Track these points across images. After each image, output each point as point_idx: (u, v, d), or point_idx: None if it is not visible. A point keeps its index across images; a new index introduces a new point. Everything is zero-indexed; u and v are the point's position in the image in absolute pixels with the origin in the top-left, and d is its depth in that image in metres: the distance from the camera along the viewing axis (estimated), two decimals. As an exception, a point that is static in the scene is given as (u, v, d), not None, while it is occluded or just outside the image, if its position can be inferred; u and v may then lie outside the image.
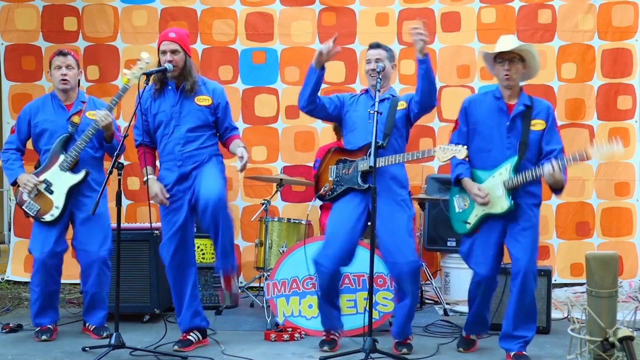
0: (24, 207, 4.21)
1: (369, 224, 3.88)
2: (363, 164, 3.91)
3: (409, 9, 6.03)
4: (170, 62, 3.86)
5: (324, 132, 5.99)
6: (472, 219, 3.82)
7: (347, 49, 6.03)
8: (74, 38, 6.02)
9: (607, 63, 5.96)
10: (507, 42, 3.76)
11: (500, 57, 3.77)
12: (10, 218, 6.14)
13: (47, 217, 4.17)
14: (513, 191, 3.71)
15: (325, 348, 3.96)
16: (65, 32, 6.02)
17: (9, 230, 6.16)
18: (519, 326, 3.77)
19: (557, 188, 3.71)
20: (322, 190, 4.07)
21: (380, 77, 3.89)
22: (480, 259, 3.84)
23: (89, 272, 4.29)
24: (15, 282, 5.93)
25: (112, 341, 3.66)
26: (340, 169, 4.04)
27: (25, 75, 6.02)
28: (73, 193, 4.21)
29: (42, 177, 4.18)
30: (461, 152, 3.62)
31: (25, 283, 5.87)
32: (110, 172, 3.75)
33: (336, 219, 4.00)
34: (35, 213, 4.18)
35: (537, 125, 3.77)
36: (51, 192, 4.17)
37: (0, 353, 3.90)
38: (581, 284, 5.67)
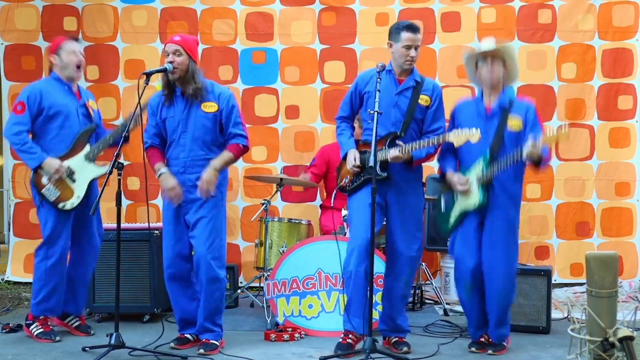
0: (42, 191, 4.15)
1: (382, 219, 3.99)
2: (382, 154, 3.86)
3: (409, 9, 6.03)
4: (171, 62, 3.85)
5: (324, 132, 5.99)
6: (452, 217, 4.00)
7: (347, 49, 6.03)
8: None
9: (607, 63, 5.95)
10: (490, 43, 3.96)
11: (484, 58, 3.93)
12: (10, 218, 6.13)
13: (68, 206, 4.16)
14: (487, 186, 3.85)
15: (339, 352, 3.80)
16: (65, 32, 5.98)
17: (9, 230, 6.15)
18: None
19: (537, 161, 3.79)
20: (342, 182, 4.05)
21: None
22: (463, 250, 3.98)
23: (89, 259, 4.34)
24: (15, 283, 5.92)
25: (112, 341, 3.66)
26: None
27: (25, 75, 6.00)
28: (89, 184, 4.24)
29: (65, 164, 4.15)
30: (475, 135, 3.70)
31: (26, 283, 5.87)
32: (110, 172, 3.76)
33: (357, 212, 3.94)
34: (54, 199, 4.15)
35: (514, 126, 3.90)
36: (73, 181, 4.15)
37: (0, 353, 3.90)
38: (581, 284, 5.67)
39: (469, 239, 3.96)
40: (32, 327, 4.23)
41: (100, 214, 4.44)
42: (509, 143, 3.87)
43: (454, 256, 4.09)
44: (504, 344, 3.99)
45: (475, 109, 4.00)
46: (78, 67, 4.27)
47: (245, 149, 4.02)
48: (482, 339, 4.04)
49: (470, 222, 3.95)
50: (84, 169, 4.19)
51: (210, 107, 3.92)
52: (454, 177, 3.94)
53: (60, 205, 4.15)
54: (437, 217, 4.21)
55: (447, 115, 4.13)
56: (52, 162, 4.12)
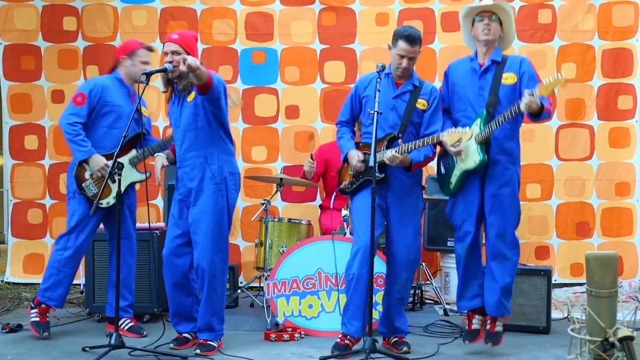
0: (83, 184, 4.19)
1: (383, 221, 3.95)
2: (379, 156, 3.84)
3: (409, 9, 6.03)
4: (170, 62, 3.84)
5: (324, 132, 5.99)
6: (453, 178, 3.94)
7: (347, 49, 6.03)
8: (74, 38, 6.02)
9: (607, 63, 5.95)
10: (488, 2, 3.99)
11: (481, 15, 3.93)
12: (9, 218, 6.12)
13: (103, 204, 4.19)
14: (486, 145, 3.81)
15: (337, 353, 3.81)
16: (65, 32, 6.02)
17: (9, 230, 6.14)
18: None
19: (537, 113, 3.71)
20: (342, 184, 4.06)
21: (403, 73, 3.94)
22: (463, 215, 3.94)
23: (128, 260, 4.37)
24: (15, 283, 5.91)
25: (112, 341, 3.66)
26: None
27: (24, 75, 6.01)
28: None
29: (110, 163, 4.11)
30: (467, 134, 3.69)
31: (25, 284, 5.87)
32: (110, 172, 3.75)
33: (360, 214, 3.92)
34: (92, 194, 4.17)
35: (509, 79, 3.87)
36: (114, 182, 4.15)
37: (0, 353, 3.90)
38: (581, 284, 5.67)
39: (470, 203, 3.91)
40: (32, 311, 4.27)
41: (135, 214, 4.51)
42: (504, 98, 3.83)
43: (452, 221, 4.03)
44: (501, 329, 3.92)
45: (469, 66, 3.97)
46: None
47: (210, 81, 3.76)
48: (474, 324, 4.00)
49: (474, 185, 3.89)
50: (127, 173, 4.22)
51: (191, 96, 3.89)
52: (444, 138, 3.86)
53: (98, 203, 4.12)
54: (438, 180, 4.15)
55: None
56: (98, 159, 4.16)
